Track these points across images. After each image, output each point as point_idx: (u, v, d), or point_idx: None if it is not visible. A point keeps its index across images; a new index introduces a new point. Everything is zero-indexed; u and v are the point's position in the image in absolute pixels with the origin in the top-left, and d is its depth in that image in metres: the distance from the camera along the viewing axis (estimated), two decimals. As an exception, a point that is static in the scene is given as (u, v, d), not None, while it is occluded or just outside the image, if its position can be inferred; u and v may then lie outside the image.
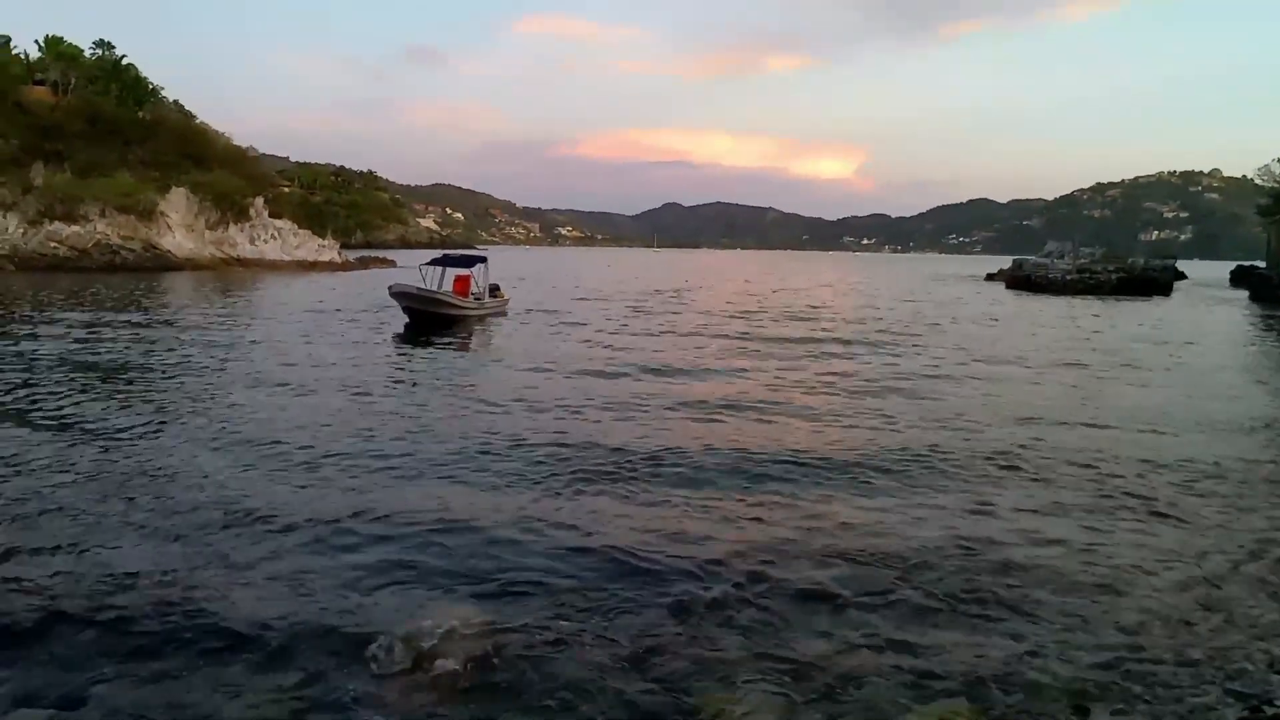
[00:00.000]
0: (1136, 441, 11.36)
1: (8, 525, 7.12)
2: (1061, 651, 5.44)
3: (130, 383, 14.13)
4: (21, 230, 51.37)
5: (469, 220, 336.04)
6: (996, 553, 7.10)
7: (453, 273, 27.62)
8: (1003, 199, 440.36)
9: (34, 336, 19.36)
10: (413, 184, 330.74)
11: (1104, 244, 76.72)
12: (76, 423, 10.89)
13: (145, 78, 68.35)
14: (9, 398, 12.46)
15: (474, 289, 27.52)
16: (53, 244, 50.31)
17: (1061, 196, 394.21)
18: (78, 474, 8.60)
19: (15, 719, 4.43)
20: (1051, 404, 13.99)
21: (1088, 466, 9.91)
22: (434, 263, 27.17)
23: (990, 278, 71.27)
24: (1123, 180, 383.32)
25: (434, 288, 25.96)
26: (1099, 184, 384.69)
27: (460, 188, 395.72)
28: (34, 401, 12.19)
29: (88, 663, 4.99)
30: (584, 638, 5.46)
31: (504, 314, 28.62)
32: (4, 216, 51.84)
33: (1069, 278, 52.52)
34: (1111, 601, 6.21)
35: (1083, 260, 57.57)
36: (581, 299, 38.77)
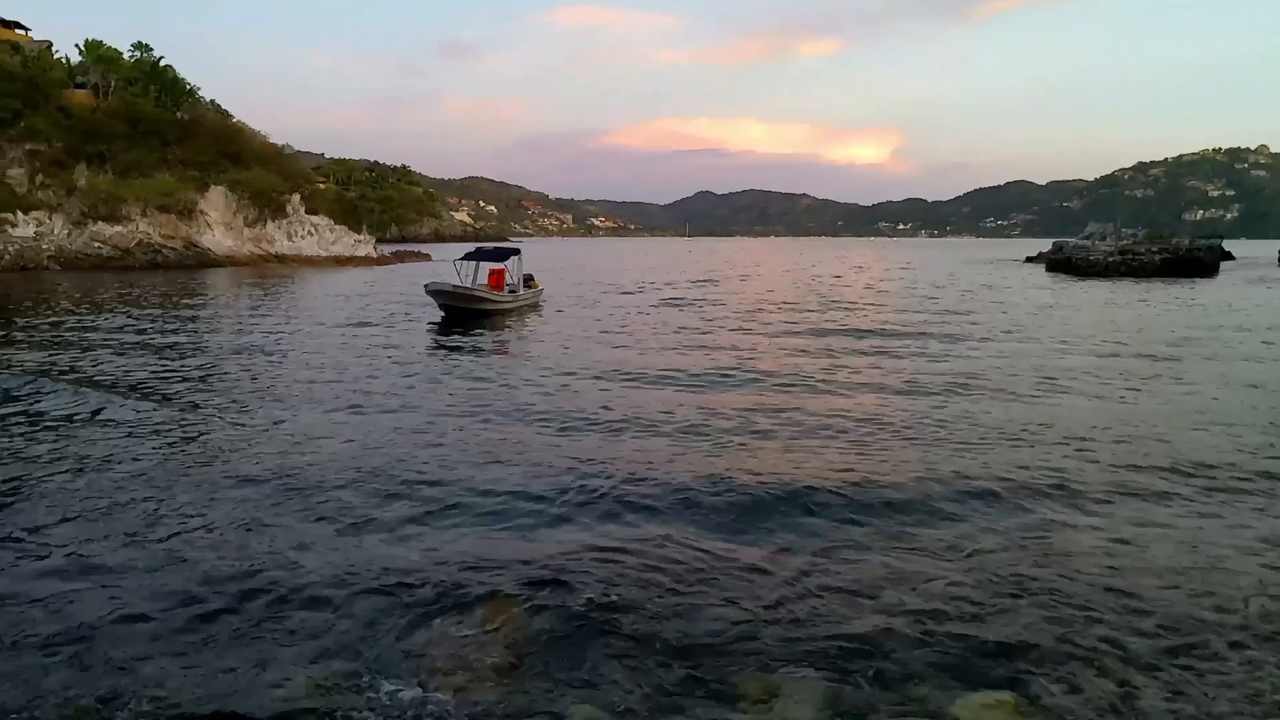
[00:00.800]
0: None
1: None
2: (1110, 641, 5.33)
3: (191, 371, 14.38)
4: (66, 231, 52.44)
5: (502, 212, 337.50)
6: (1044, 543, 6.98)
7: (487, 267, 27.77)
8: (1041, 180, 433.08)
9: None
10: (446, 178, 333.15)
11: (1147, 224, 75.14)
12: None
13: (182, 78, 69.33)
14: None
15: (509, 282, 27.66)
16: (96, 244, 51.29)
17: (1102, 177, 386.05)
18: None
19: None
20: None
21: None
22: (468, 257, 27.32)
23: (1029, 260, 70.16)
24: (1165, 159, 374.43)
25: (469, 282, 26.12)
26: (1141, 163, 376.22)
27: (493, 180, 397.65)
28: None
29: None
30: (624, 624, 5.47)
31: (539, 305, 28.73)
32: (49, 218, 52.93)
33: (1111, 259, 51.48)
34: (1161, 591, 6.06)
35: (1125, 241, 56.45)
36: (614, 291, 38.72)
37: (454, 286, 24.55)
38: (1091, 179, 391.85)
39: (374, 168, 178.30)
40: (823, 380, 14.57)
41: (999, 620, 5.61)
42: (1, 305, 27.56)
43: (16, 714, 4.44)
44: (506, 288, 27.24)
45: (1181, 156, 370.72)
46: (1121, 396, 13.26)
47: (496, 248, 29.96)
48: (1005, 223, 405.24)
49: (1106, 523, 7.46)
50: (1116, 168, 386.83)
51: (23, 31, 66.50)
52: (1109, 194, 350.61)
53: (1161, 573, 6.37)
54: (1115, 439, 10.40)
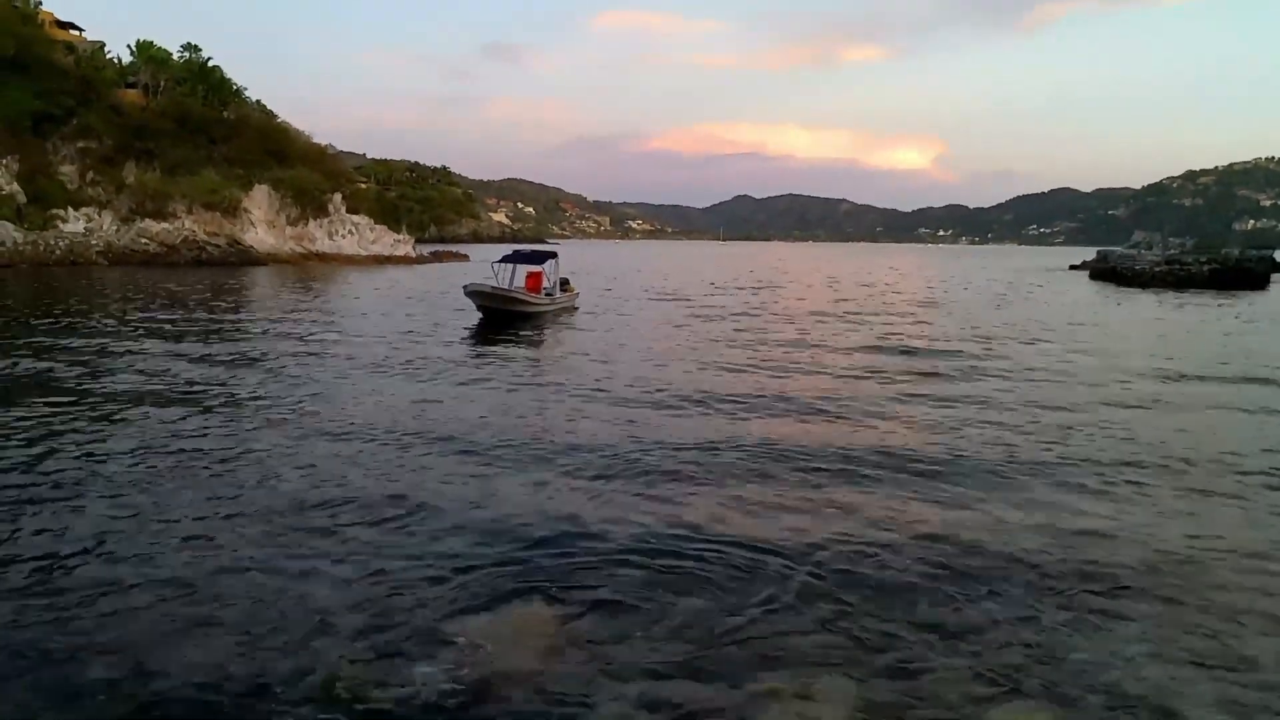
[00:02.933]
0: None
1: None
2: (1151, 654, 5.21)
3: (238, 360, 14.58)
4: (115, 227, 53.57)
5: (540, 214, 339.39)
6: (1086, 552, 6.82)
7: (524, 269, 27.82)
8: (1087, 188, 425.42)
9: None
10: (485, 179, 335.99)
11: (1196, 234, 73.45)
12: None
13: (229, 79, 70.64)
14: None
15: (545, 285, 27.70)
16: (143, 240, 52.30)
17: (1150, 185, 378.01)
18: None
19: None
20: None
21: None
22: (506, 260, 27.39)
23: (1073, 269, 68.94)
24: (1216, 167, 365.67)
25: (506, 284, 26.20)
26: (1190, 171, 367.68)
27: (532, 182, 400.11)
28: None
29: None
30: (656, 627, 5.44)
31: (575, 308, 28.74)
32: (99, 214, 54.14)
33: (1158, 269, 50.35)
34: (1205, 603, 5.90)
35: (1172, 251, 55.23)
36: (647, 297, 38.68)
37: (492, 288, 24.63)
38: (1139, 187, 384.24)
39: (414, 168, 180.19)
40: (871, 405, 14.37)
41: (1040, 632, 5.49)
42: (59, 297, 28.18)
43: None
44: (543, 291, 27.29)
45: (1233, 165, 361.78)
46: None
47: (534, 250, 30.01)
48: (1049, 230, 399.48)
49: (1156, 531, 7.24)
50: (1165, 176, 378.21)
51: (77, 32, 68.12)
52: (1156, 202, 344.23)
53: (1206, 588, 6.15)
54: (1188, 456, 10.10)
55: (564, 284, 29.11)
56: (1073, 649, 5.26)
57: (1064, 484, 8.84)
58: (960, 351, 19.21)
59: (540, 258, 28.25)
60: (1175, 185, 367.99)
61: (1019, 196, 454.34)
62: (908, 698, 4.70)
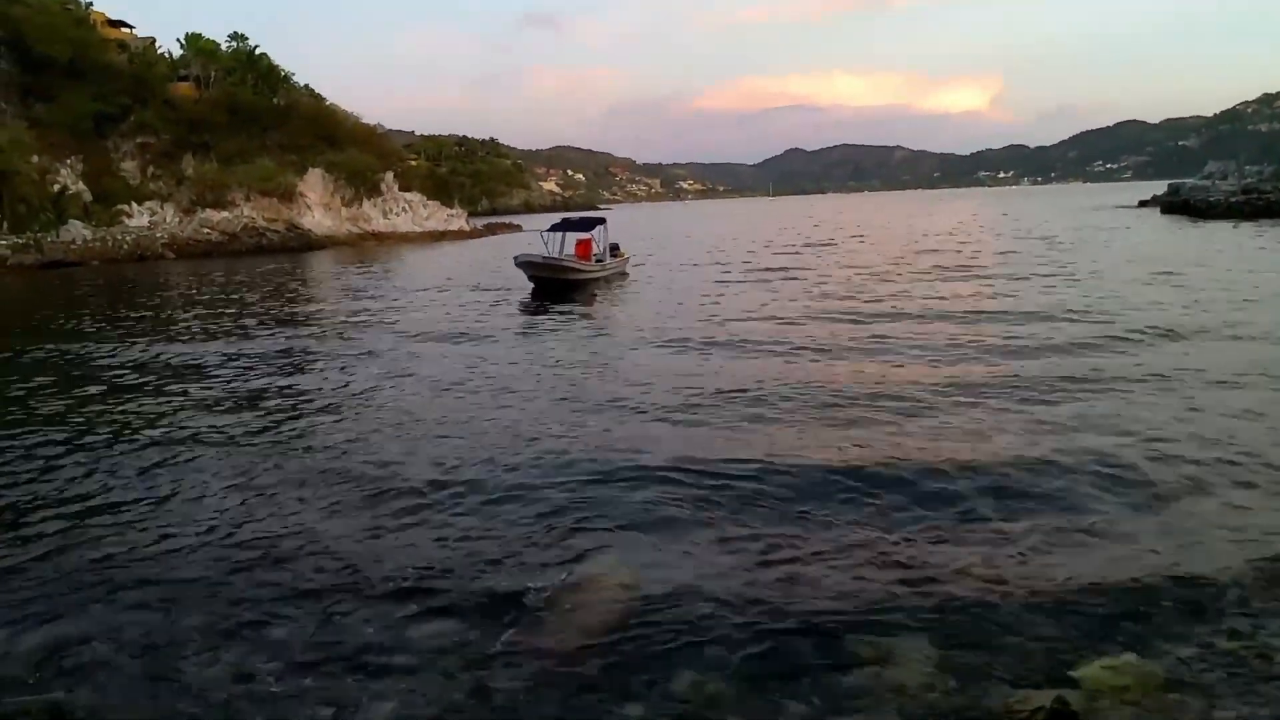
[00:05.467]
0: None
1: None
2: (1242, 601, 5.05)
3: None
4: (177, 219, 54.92)
5: (590, 180, 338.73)
6: (1166, 501, 6.56)
7: (573, 237, 27.78)
8: (1154, 119, 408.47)
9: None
10: (534, 148, 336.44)
11: (1275, 161, 69.70)
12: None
13: (278, 66, 71.39)
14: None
15: (595, 251, 27.62)
16: (205, 230, 53.48)
17: (1222, 112, 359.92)
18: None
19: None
20: None
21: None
22: (555, 228, 27.36)
23: (1143, 204, 66.31)
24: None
25: (556, 253, 26.18)
26: (1266, 94, 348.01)
27: (580, 149, 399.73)
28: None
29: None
30: (731, 590, 5.41)
31: (625, 273, 28.62)
32: (161, 207, 55.54)
33: (1234, 200, 48.12)
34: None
35: (1249, 180, 52.68)
36: (692, 264, 38.33)
37: (543, 258, 24.64)
38: (1211, 115, 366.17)
39: (463, 142, 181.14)
40: (920, 349, 14.00)
41: (1118, 584, 5.32)
42: (137, 291, 29.07)
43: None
44: (593, 257, 27.21)
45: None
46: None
47: (582, 217, 29.89)
48: (1115, 166, 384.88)
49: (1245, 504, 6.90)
50: (1239, 101, 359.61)
51: (128, 29, 69.47)
52: (1230, 130, 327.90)
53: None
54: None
55: (614, 249, 28.96)
56: (1158, 603, 5.10)
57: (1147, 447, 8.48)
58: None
59: (589, 224, 28.15)
60: (1250, 110, 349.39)
61: (1083, 133, 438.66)
62: (989, 656, 4.59)
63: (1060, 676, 4.34)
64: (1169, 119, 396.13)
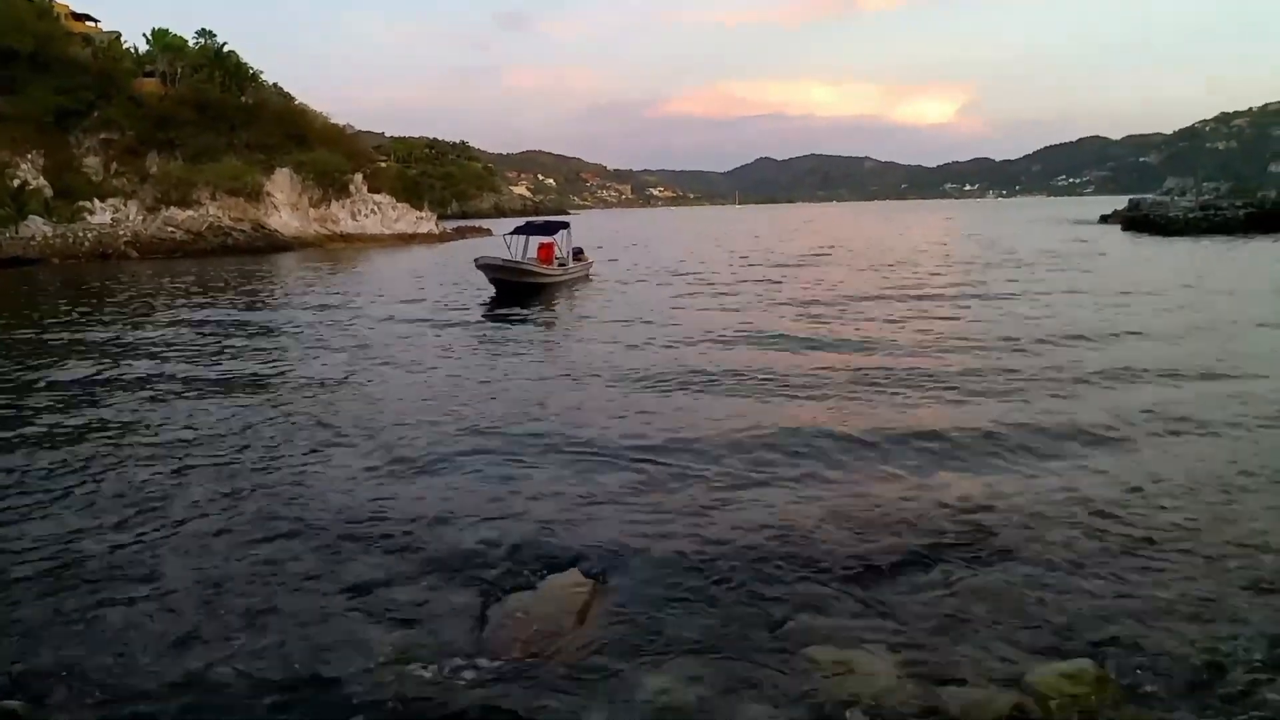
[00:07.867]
0: None
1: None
2: (1196, 613, 5.14)
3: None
4: (141, 217, 54.01)
5: (560, 185, 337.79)
6: (1122, 512, 6.74)
7: (536, 240, 27.71)
8: (1117, 135, 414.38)
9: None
10: (505, 152, 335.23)
11: (1230, 178, 71.33)
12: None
13: (246, 63, 70.52)
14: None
15: (558, 255, 27.60)
16: (170, 229, 52.62)
17: (1181, 130, 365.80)
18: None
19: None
20: None
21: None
22: (517, 232, 27.31)
23: (1104, 219, 67.43)
24: (1250, 109, 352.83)
25: (519, 256, 26.11)
26: (1223, 114, 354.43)
27: (551, 153, 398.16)
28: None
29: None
30: (697, 595, 5.51)
31: (588, 278, 28.63)
32: (125, 204, 54.62)
33: (1191, 216, 49.21)
34: (1249, 563, 5.79)
35: (1206, 196, 53.89)
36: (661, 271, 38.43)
37: (504, 261, 24.55)
38: (1170, 132, 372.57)
39: (434, 144, 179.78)
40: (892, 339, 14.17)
41: (1077, 590, 5.47)
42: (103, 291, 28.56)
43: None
44: (555, 261, 27.19)
45: (1267, 105, 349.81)
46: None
47: (546, 221, 29.79)
48: (1078, 180, 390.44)
49: (1191, 501, 7.08)
50: (1198, 120, 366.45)
51: (93, 23, 68.33)
52: (1189, 147, 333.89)
53: (1242, 542, 6.00)
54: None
55: (577, 254, 28.98)
56: (1115, 607, 5.23)
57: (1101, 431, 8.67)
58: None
59: (552, 228, 28.09)
60: (1208, 129, 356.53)
61: (1047, 147, 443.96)
62: (948, 661, 4.69)
63: (1018, 681, 4.42)
64: (1131, 135, 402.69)
